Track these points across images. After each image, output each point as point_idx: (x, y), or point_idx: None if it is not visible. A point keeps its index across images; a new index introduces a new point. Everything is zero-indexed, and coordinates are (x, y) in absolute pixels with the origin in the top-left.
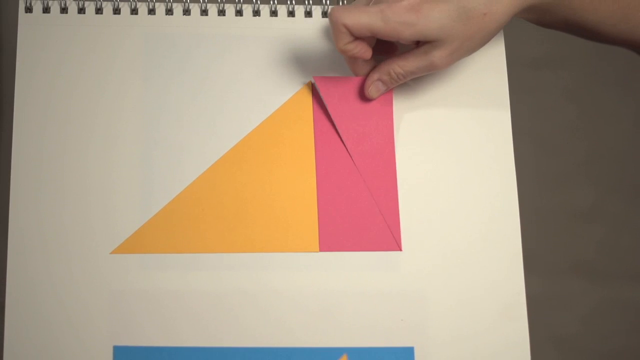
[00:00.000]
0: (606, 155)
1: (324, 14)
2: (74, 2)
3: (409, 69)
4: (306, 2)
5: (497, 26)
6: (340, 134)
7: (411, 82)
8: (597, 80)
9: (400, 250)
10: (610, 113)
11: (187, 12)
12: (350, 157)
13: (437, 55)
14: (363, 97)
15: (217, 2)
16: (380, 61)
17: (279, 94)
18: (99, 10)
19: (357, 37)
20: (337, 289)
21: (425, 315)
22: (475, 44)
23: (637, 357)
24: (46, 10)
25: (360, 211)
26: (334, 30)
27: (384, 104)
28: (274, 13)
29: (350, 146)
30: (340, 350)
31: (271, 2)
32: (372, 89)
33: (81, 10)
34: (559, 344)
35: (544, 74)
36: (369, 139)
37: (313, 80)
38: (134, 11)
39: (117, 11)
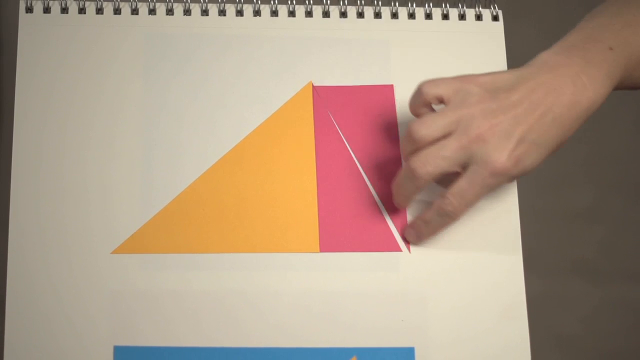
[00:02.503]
0: (606, 155)
1: (325, 14)
2: (74, 2)
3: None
4: (307, 2)
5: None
6: (345, 138)
7: (413, 87)
8: None
9: (409, 251)
10: (610, 113)
11: (187, 12)
12: (355, 159)
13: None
14: (364, 103)
15: (218, 2)
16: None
17: (280, 94)
18: (99, 11)
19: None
20: (337, 289)
21: (425, 315)
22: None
23: (637, 357)
24: (47, 10)
25: (360, 211)
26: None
27: (387, 109)
28: (274, 13)
29: (355, 149)
30: (340, 351)
31: (272, 2)
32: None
33: (82, 11)
34: (559, 344)
35: None
36: (374, 144)
37: (313, 83)
38: (135, 11)
39: (117, 11)
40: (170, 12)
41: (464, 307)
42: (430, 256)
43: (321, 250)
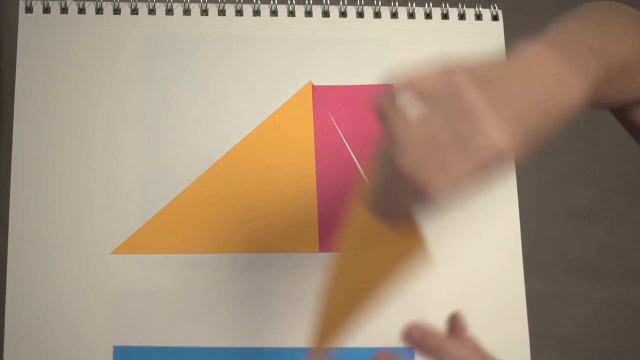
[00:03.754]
0: (606, 155)
1: (324, 14)
2: (74, 3)
3: None
4: (306, 2)
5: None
6: (344, 138)
7: None
8: None
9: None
10: (610, 113)
11: (187, 12)
12: (355, 158)
13: None
14: (364, 103)
15: (218, 2)
16: None
17: (279, 94)
18: (99, 11)
19: None
20: None
21: (425, 315)
22: None
23: (637, 357)
24: (46, 10)
25: None
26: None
27: None
28: (274, 13)
29: (355, 151)
30: (340, 351)
31: (271, 2)
32: None
33: (81, 11)
34: (559, 344)
35: None
36: (373, 142)
37: (313, 83)
38: (134, 11)
39: (117, 11)
40: (170, 12)
41: (464, 307)
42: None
43: (321, 250)
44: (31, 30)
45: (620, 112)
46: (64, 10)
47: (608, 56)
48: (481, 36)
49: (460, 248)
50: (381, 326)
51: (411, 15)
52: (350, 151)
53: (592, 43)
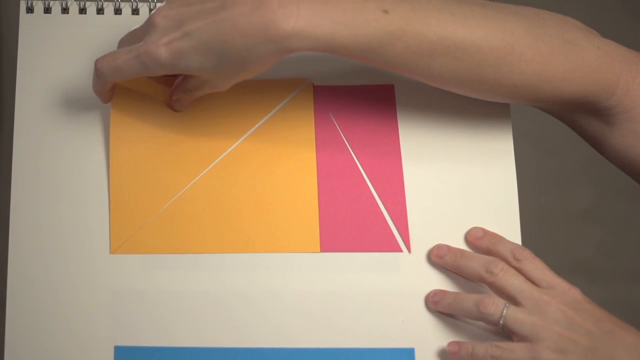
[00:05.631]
0: None
1: None
2: (75, 3)
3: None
4: None
5: (261, 67)
6: (345, 138)
7: (414, 88)
8: None
9: (409, 251)
10: None
11: None
12: (355, 159)
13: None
14: (364, 103)
15: None
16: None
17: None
18: (100, 11)
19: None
20: (337, 289)
21: (426, 316)
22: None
23: None
24: (47, 10)
25: (361, 212)
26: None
27: (387, 109)
28: None
29: (356, 151)
30: (340, 351)
31: None
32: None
33: (82, 11)
34: None
35: None
36: (374, 144)
37: (314, 83)
38: (135, 11)
39: (118, 11)
40: None
41: None
42: (430, 256)
43: (322, 251)
44: (32, 30)
45: (567, 118)
46: (65, 10)
47: (405, 25)
48: None
49: (461, 248)
50: (381, 326)
51: None
52: (351, 151)
53: (390, 6)
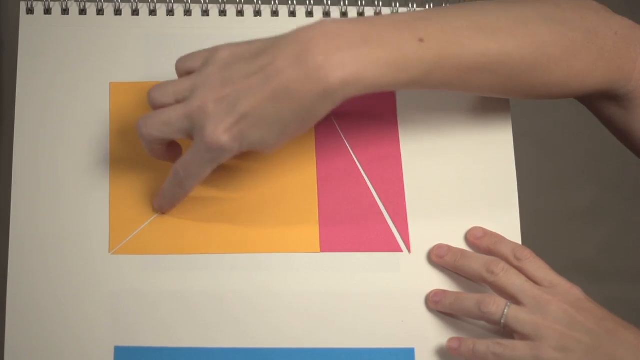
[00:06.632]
0: (606, 155)
1: (325, 14)
2: (75, 4)
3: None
4: (307, 2)
5: (317, 120)
6: (345, 138)
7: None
8: None
9: (409, 252)
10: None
11: (188, 12)
12: (355, 159)
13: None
14: (364, 103)
15: (219, 2)
16: None
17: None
18: (100, 12)
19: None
20: (337, 289)
21: (426, 316)
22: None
23: None
24: (47, 11)
25: (361, 212)
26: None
27: (387, 109)
28: (275, 13)
29: (356, 151)
30: (340, 351)
31: (272, 2)
32: None
33: (82, 12)
34: None
35: None
36: (374, 144)
37: None
38: (135, 12)
39: (118, 12)
40: (170, 12)
41: None
42: (430, 256)
43: (322, 251)
44: (32, 31)
45: (590, 106)
46: (65, 11)
47: (443, 50)
48: None
49: (461, 248)
50: (381, 326)
51: None
52: (351, 151)
53: (424, 33)
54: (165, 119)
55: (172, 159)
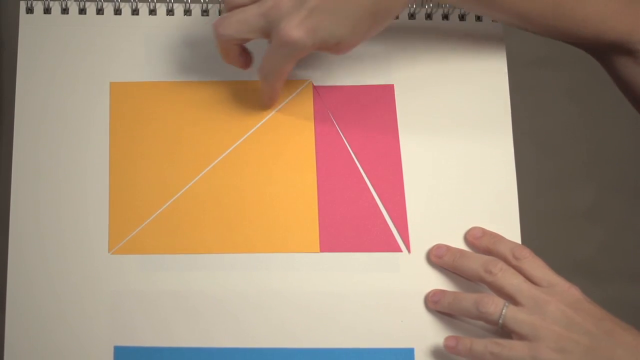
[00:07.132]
0: (606, 155)
1: None
2: (74, 3)
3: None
4: None
5: (389, 18)
6: (345, 138)
7: (414, 88)
8: (597, 80)
9: (409, 251)
10: (611, 113)
11: (188, 12)
12: (355, 159)
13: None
14: (364, 103)
15: (219, 2)
16: None
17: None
18: (99, 11)
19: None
20: (337, 289)
21: (425, 316)
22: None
23: None
24: (47, 11)
25: (361, 212)
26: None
27: (387, 109)
28: None
29: (356, 151)
30: (340, 351)
31: None
32: None
33: (82, 11)
34: None
35: (544, 73)
36: (374, 144)
37: (314, 83)
38: (135, 12)
39: (118, 12)
40: (170, 12)
41: None
42: (429, 256)
43: (321, 251)
44: (32, 31)
45: (604, 61)
46: (65, 10)
47: None
48: (481, 36)
49: (461, 248)
50: (381, 326)
51: (412, 16)
52: (351, 151)
53: None
54: (242, 18)
55: (244, 64)
